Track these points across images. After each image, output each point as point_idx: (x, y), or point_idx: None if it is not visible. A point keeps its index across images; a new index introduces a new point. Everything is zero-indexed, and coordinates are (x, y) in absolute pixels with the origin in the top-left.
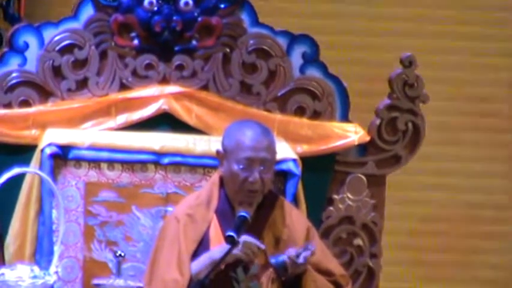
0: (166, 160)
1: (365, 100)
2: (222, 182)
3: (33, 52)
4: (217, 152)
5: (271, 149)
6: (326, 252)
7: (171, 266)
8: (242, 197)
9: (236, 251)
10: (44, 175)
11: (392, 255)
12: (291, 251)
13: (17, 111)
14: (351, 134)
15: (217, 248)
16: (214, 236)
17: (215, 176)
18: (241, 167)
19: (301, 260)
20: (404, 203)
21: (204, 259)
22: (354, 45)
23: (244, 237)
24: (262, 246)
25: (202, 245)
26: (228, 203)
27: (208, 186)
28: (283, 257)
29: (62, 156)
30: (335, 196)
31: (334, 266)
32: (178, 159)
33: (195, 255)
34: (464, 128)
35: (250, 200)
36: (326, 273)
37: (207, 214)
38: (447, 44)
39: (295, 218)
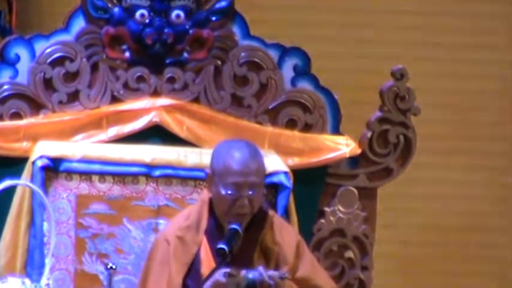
0: (157, 172)
1: (356, 110)
2: (211, 202)
3: (24, 64)
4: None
5: (260, 172)
6: (316, 268)
7: None
8: (231, 219)
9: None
10: (35, 187)
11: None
12: (262, 270)
13: (8, 123)
14: (342, 146)
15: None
16: (205, 257)
17: (205, 195)
18: (229, 192)
19: (269, 280)
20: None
21: None
22: (345, 55)
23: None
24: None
25: (193, 267)
26: (217, 224)
27: (198, 206)
28: (254, 274)
29: (53, 168)
30: (326, 209)
31: (325, 281)
32: (169, 171)
33: (186, 277)
34: (455, 138)
35: (239, 221)
36: None
37: (197, 236)
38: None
39: (285, 234)
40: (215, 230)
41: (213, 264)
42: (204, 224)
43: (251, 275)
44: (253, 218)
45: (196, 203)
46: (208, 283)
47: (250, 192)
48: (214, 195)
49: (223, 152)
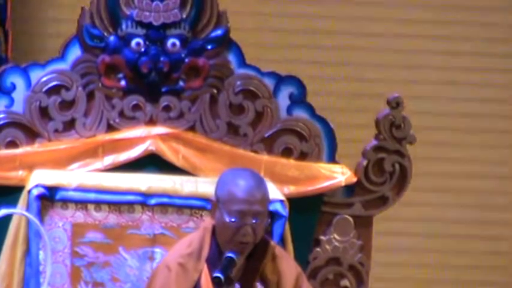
0: (153, 201)
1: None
2: (214, 230)
3: (20, 93)
4: (211, 200)
5: (264, 201)
6: None
7: None
8: (233, 247)
9: None
10: (31, 216)
11: None
12: None
13: (4, 152)
14: (337, 175)
15: None
16: (205, 284)
17: (208, 222)
18: (233, 219)
19: None
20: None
21: None
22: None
23: None
24: None
25: None
26: (219, 251)
27: (200, 233)
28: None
29: (49, 197)
30: (322, 237)
31: None
32: (165, 200)
33: None
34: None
35: (241, 250)
36: None
37: (198, 264)
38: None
39: (285, 266)
40: (217, 258)
41: None
42: (205, 251)
43: None
44: (255, 247)
45: (198, 231)
46: None
47: (254, 221)
48: (217, 223)
49: (228, 179)
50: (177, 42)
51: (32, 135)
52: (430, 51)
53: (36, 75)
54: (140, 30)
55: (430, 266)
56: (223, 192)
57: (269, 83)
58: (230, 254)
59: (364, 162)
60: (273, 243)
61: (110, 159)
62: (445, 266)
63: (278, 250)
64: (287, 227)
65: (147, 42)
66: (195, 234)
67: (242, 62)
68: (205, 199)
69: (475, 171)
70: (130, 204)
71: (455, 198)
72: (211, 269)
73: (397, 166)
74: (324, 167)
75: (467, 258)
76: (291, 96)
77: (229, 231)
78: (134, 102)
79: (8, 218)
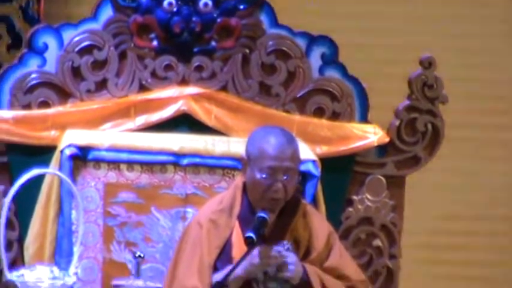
0: (185, 161)
1: (384, 99)
2: (245, 188)
3: (52, 53)
4: (241, 158)
5: (295, 157)
6: (345, 258)
7: (192, 273)
8: (264, 204)
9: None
10: (64, 176)
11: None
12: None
13: (36, 112)
14: (370, 135)
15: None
16: (237, 242)
17: (238, 180)
18: (264, 175)
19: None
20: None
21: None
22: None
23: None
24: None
25: (224, 251)
26: (250, 209)
27: (231, 191)
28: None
29: (81, 157)
30: (354, 197)
31: (353, 271)
32: (197, 160)
33: (217, 261)
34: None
35: (272, 207)
36: (344, 278)
37: (229, 220)
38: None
39: (317, 223)
40: (248, 215)
41: (244, 249)
42: (237, 208)
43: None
44: (286, 204)
45: (229, 189)
46: (243, 265)
47: (285, 177)
48: (248, 180)
49: (259, 137)
50: (209, 2)
51: (64, 95)
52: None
53: (68, 35)
54: None
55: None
56: (254, 150)
57: (301, 43)
58: (262, 214)
59: (397, 122)
60: (304, 201)
61: (142, 119)
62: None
63: (309, 208)
64: (319, 187)
65: (179, 2)
66: (226, 192)
67: (274, 22)
68: (237, 159)
69: None
70: (163, 164)
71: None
72: (242, 226)
73: (429, 126)
74: (356, 127)
75: None
76: (323, 56)
77: (260, 188)
78: (166, 63)
79: (40, 178)
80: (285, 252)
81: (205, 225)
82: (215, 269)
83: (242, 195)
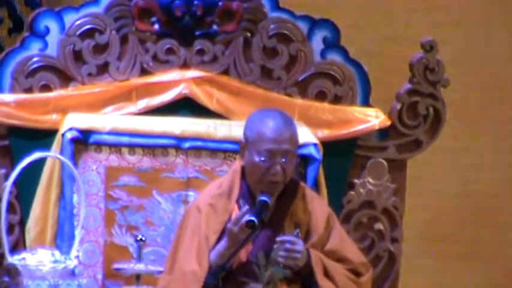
0: (187, 144)
1: (385, 85)
2: (243, 171)
3: (54, 37)
4: (239, 141)
5: (293, 140)
6: (345, 241)
7: (191, 257)
8: (263, 188)
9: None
10: (65, 159)
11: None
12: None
13: (37, 95)
14: (371, 118)
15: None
16: None
17: (237, 164)
18: (262, 158)
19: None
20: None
21: (219, 248)
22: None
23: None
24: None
25: (223, 236)
26: (249, 192)
27: (230, 175)
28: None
29: (83, 140)
30: (356, 181)
31: (354, 254)
32: (199, 143)
33: (216, 245)
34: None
35: (271, 190)
36: (344, 261)
37: (228, 204)
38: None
39: (316, 205)
40: (247, 198)
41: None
42: (235, 192)
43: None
44: (285, 187)
45: (228, 173)
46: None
47: (284, 160)
48: (247, 163)
49: (257, 120)
50: None
51: (66, 78)
52: None
53: (70, 18)
54: None
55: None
56: (252, 132)
57: (303, 26)
58: (264, 198)
59: (398, 106)
60: (302, 184)
61: (143, 103)
62: None
63: (308, 190)
64: (321, 170)
65: None
66: (225, 176)
67: (275, 6)
68: (239, 142)
69: None
70: (164, 147)
71: None
72: (241, 210)
73: (431, 109)
74: (357, 111)
75: None
76: (324, 40)
77: (259, 171)
78: (168, 46)
79: (42, 162)
80: (295, 239)
81: (204, 209)
82: None
83: (241, 180)
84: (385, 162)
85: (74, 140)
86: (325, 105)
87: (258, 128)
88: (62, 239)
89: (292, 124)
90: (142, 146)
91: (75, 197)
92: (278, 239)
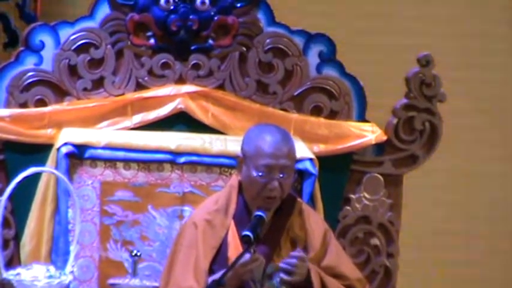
0: (182, 159)
1: (381, 100)
2: (240, 187)
3: (49, 51)
4: (237, 156)
5: (291, 155)
6: (342, 256)
7: (188, 273)
8: (260, 203)
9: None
10: (60, 174)
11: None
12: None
13: (33, 110)
14: (367, 133)
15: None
16: (232, 241)
17: (234, 180)
18: (260, 173)
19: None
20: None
21: (216, 277)
22: (370, 45)
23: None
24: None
25: (220, 251)
26: (245, 208)
27: (226, 190)
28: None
29: (78, 155)
30: (352, 196)
31: (350, 270)
32: (194, 158)
33: (213, 261)
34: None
35: (268, 205)
36: (341, 277)
37: (225, 220)
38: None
39: (313, 221)
40: (243, 214)
41: (240, 249)
42: (232, 208)
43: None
44: (282, 203)
45: (224, 189)
46: (237, 266)
47: (281, 175)
48: (244, 179)
49: (255, 135)
50: (206, 0)
51: (61, 93)
52: None
53: (65, 33)
54: None
55: None
56: (250, 147)
57: (299, 41)
58: (259, 213)
59: (394, 121)
60: (299, 199)
61: (138, 118)
62: None
63: (305, 206)
64: (317, 185)
65: (176, 0)
66: (222, 192)
67: (271, 20)
68: (235, 157)
69: None
70: (160, 162)
71: None
72: (238, 225)
73: (427, 124)
74: (353, 126)
75: None
76: (320, 55)
77: (256, 186)
78: (163, 61)
79: (37, 177)
80: (298, 254)
81: (201, 225)
82: (211, 270)
83: (237, 195)
84: (381, 177)
85: (69, 155)
86: (321, 120)
87: (256, 142)
88: (57, 254)
89: (290, 139)
90: (138, 161)
91: (70, 212)
92: (293, 254)
